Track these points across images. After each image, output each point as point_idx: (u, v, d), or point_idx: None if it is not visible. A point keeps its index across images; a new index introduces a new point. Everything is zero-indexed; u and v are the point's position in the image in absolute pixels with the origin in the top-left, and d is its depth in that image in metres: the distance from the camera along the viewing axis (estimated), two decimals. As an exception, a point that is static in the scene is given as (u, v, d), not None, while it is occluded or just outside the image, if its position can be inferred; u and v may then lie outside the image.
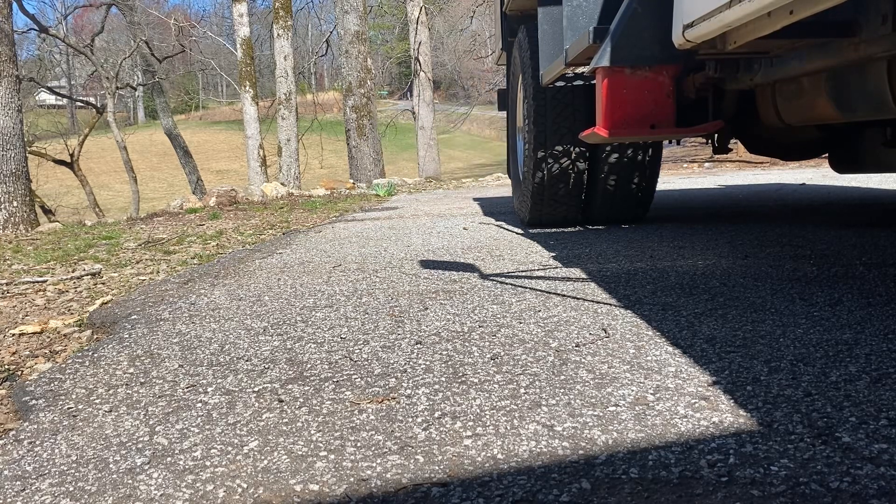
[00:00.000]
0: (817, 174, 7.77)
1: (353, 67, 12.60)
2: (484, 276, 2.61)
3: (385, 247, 3.60)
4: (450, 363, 1.61)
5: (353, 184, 10.41)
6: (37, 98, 28.44)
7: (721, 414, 1.24)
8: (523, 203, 4.16)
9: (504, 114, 5.58)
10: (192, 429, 1.32)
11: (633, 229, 3.78)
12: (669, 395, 1.34)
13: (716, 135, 3.47)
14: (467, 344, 1.75)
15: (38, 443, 1.31)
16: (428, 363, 1.61)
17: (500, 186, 9.37)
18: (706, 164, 11.44)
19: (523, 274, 2.64)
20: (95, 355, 1.85)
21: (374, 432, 1.26)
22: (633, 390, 1.38)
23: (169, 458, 1.20)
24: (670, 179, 8.35)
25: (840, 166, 3.86)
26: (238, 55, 13.13)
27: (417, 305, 2.20)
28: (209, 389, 1.53)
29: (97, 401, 1.51)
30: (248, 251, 3.80)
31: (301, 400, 1.43)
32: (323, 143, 19.32)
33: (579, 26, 2.81)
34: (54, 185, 20.00)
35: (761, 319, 1.82)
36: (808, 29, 1.88)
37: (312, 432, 1.27)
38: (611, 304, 2.08)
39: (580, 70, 3.40)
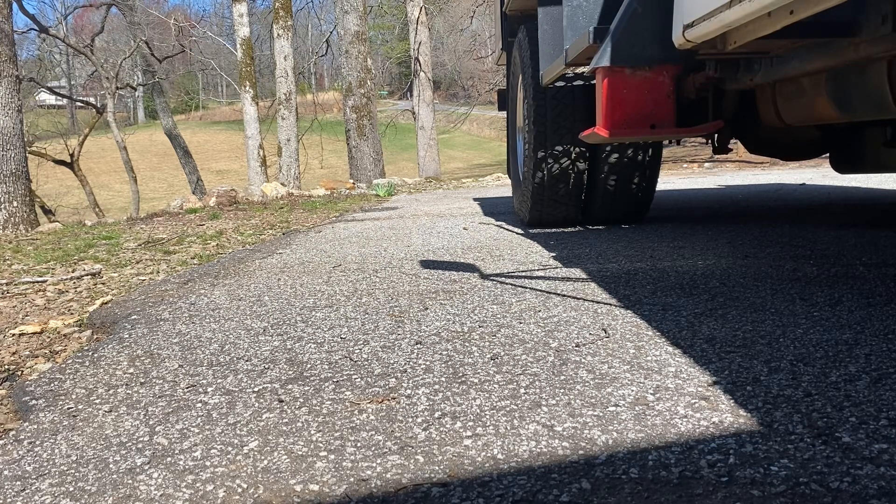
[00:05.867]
0: (817, 174, 7.77)
1: (353, 67, 12.60)
2: (484, 276, 2.61)
3: (385, 247, 3.60)
4: (450, 363, 1.61)
5: (353, 184, 10.41)
6: (37, 98, 28.44)
7: (721, 414, 1.24)
8: (523, 203, 4.15)
9: (504, 114, 5.58)
10: (192, 429, 1.32)
11: (633, 229, 3.78)
12: (669, 395, 1.34)
13: (716, 135, 3.47)
14: (467, 344, 1.75)
15: (38, 443, 1.31)
16: (428, 363, 1.61)
17: (500, 186, 9.37)
18: (706, 164, 11.44)
19: (523, 274, 2.64)
20: (95, 355, 1.85)
21: (374, 432, 1.26)
22: (633, 390, 1.38)
23: (169, 458, 1.20)
24: (670, 179, 8.35)
25: (840, 166, 3.86)
26: (238, 55, 13.13)
27: (417, 305, 2.20)
28: (209, 389, 1.53)
29: (97, 401, 1.51)
30: (248, 251, 3.80)
31: (301, 400, 1.43)
32: (323, 143, 19.32)
33: (579, 26, 2.81)
34: (54, 185, 20.01)
35: (761, 319, 1.82)
36: (808, 29, 1.88)
37: (312, 432, 1.27)
38: (611, 304, 2.08)
39: (580, 70, 3.40)
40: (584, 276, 2.53)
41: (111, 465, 1.19)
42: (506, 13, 4.44)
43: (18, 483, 1.15)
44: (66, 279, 3.13)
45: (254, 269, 3.09)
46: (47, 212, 14.40)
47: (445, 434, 1.23)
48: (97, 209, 16.13)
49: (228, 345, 1.87)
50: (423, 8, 16.07)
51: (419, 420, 1.30)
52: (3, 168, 6.82)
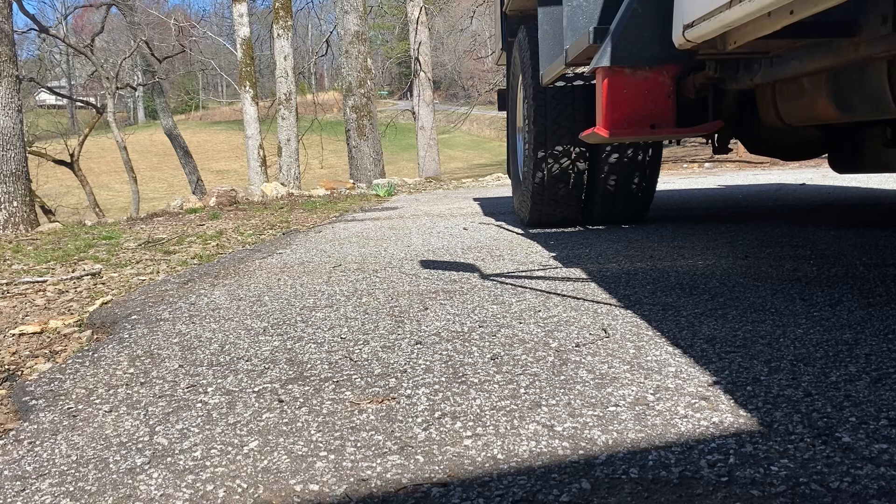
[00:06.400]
0: (817, 174, 7.77)
1: (353, 67, 12.61)
2: (484, 276, 2.61)
3: (385, 247, 3.60)
4: (450, 363, 1.61)
5: (353, 184, 10.42)
6: (37, 98, 28.47)
7: (721, 414, 1.24)
8: (523, 203, 4.15)
9: (504, 114, 5.58)
10: (192, 429, 1.32)
11: (633, 229, 3.78)
12: (669, 395, 1.34)
13: (716, 135, 3.47)
14: (467, 344, 1.75)
15: (38, 443, 1.31)
16: (428, 363, 1.61)
17: (500, 186, 9.37)
18: (706, 164, 11.44)
19: (523, 274, 2.64)
20: (95, 355, 1.85)
21: (374, 432, 1.26)
22: (633, 390, 1.37)
23: (169, 458, 1.20)
24: (670, 179, 8.35)
25: (840, 166, 3.86)
26: (238, 55, 13.14)
27: (417, 305, 2.20)
28: (209, 389, 1.53)
29: (97, 401, 1.51)
30: (248, 251, 3.80)
31: (301, 400, 1.43)
32: (323, 143, 19.32)
33: (579, 26, 2.81)
34: (54, 185, 20.00)
35: (761, 319, 1.82)
36: (809, 29, 1.88)
37: (312, 432, 1.27)
38: (611, 304, 2.08)
39: (580, 70, 3.40)
40: (584, 276, 2.53)
41: (111, 465, 1.19)
42: (506, 13, 4.44)
43: (18, 483, 1.15)
44: (66, 279, 3.13)
45: (254, 269, 3.09)
46: (47, 212, 14.39)
47: (445, 434, 1.23)
48: (97, 209, 16.12)
49: (228, 345, 1.87)
50: (423, 8, 16.07)
51: (419, 420, 1.30)
52: (3, 168, 6.82)
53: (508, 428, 1.24)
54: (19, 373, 1.79)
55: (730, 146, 3.63)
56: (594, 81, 2.89)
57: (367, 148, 12.83)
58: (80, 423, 1.39)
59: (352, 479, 1.09)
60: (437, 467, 1.11)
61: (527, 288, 2.37)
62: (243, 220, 5.83)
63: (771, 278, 2.32)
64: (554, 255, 3.05)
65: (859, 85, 2.25)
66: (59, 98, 29.37)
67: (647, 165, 3.72)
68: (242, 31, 12.91)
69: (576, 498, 1.00)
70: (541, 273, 2.64)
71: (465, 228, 4.27)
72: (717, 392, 1.34)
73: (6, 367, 1.84)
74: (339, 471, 1.12)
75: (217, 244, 4.21)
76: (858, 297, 2.00)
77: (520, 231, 3.98)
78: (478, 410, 1.32)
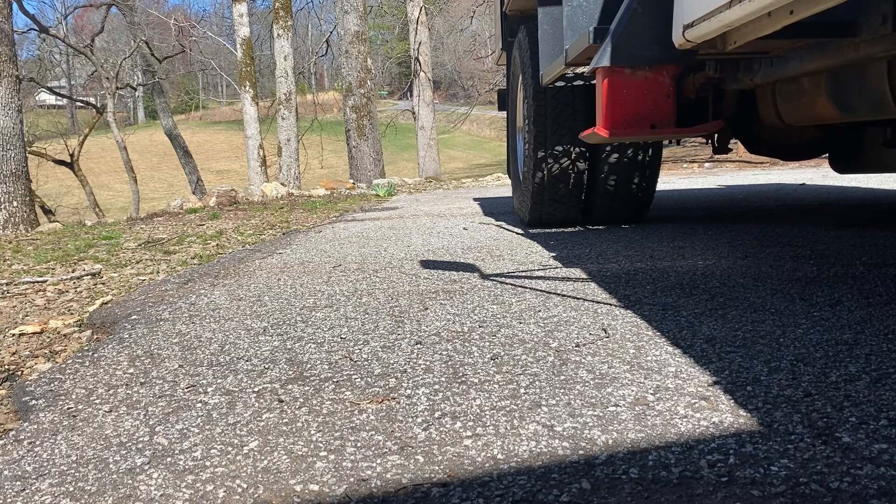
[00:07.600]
0: (817, 174, 7.77)
1: (353, 67, 12.61)
2: (484, 276, 2.61)
3: (385, 247, 3.60)
4: (450, 363, 1.61)
5: (353, 184, 10.42)
6: (37, 98, 28.48)
7: (721, 414, 1.24)
8: (523, 203, 4.16)
9: (504, 114, 5.58)
10: (192, 429, 1.32)
11: (633, 229, 3.78)
12: (669, 396, 1.34)
13: (716, 135, 3.47)
14: (467, 344, 1.75)
15: (38, 443, 1.31)
16: (428, 363, 1.61)
17: (500, 186, 9.37)
18: (706, 164, 11.44)
19: (523, 274, 2.64)
20: (95, 355, 1.85)
21: (374, 432, 1.26)
22: (633, 390, 1.37)
23: (169, 459, 1.20)
24: (670, 179, 8.35)
25: (840, 166, 3.86)
26: (238, 55, 13.14)
27: (417, 305, 2.20)
28: (209, 389, 1.53)
29: (97, 401, 1.51)
30: (248, 251, 3.80)
31: (301, 400, 1.43)
32: (323, 143, 19.32)
33: (579, 26, 2.81)
34: (54, 185, 20.01)
35: (761, 319, 1.82)
36: (809, 29, 1.88)
37: (312, 432, 1.27)
38: (611, 304, 2.08)
39: (580, 70, 3.40)
40: (584, 276, 2.53)
41: (111, 465, 1.19)
42: (506, 13, 4.44)
43: (18, 483, 1.15)
44: (66, 279, 3.13)
45: (254, 269, 3.09)
46: (47, 212, 14.40)
47: (445, 434, 1.23)
48: (97, 209, 16.13)
49: (228, 345, 1.87)
50: (423, 8, 16.07)
51: (419, 420, 1.30)
52: (3, 168, 6.82)
53: (508, 428, 1.24)
54: (19, 373, 1.79)
55: (730, 146, 3.63)
56: (594, 81, 2.89)
57: (367, 148, 12.83)
58: (80, 423, 1.39)
59: (352, 479, 1.09)
60: (437, 467, 1.11)
61: (527, 288, 2.37)
62: (243, 220, 5.83)
63: (771, 278, 2.32)
64: (554, 255, 3.05)
65: (859, 85, 2.25)
66: (59, 98, 29.39)
67: (647, 165, 3.72)
68: (242, 31, 12.91)
69: (576, 498, 1.00)
70: (541, 273, 2.64)
71: (465, 228, 4.27)
72: (717, 392, 1.34)
73: (6, 367, 1.84)
74: (339, 471, 1.12)
75: (217, 244, 4.21)
76: (858, 297, 2.00)
77: (520, 231, 3.98)
78: (478, 410, 1.32)
